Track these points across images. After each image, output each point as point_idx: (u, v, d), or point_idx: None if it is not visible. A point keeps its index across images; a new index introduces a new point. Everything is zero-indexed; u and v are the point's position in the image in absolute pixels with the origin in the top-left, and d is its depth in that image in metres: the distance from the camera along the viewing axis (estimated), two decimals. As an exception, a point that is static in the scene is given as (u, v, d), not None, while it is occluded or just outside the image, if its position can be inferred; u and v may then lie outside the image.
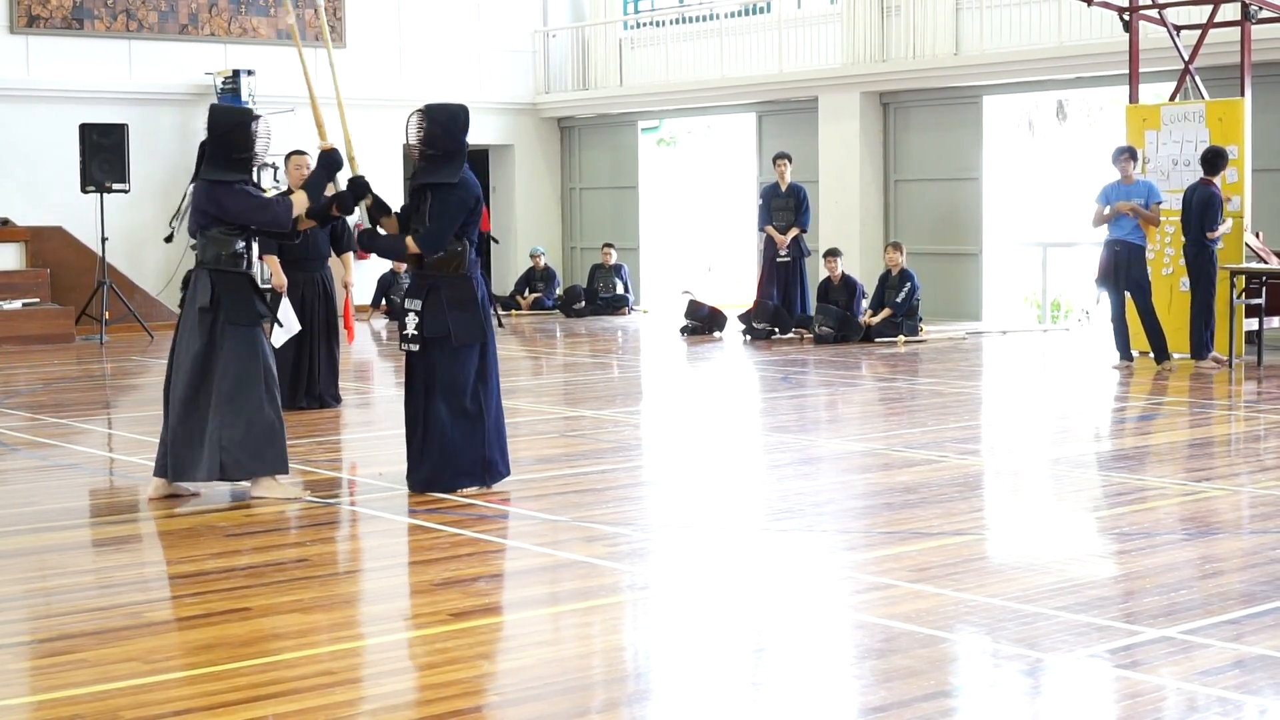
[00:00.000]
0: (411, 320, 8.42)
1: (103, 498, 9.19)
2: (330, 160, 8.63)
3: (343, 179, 8.72)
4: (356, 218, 8.76)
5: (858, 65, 20.78)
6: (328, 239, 12.19)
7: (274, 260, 11.95)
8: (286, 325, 11.82)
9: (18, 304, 18.93)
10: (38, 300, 19.25)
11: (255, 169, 8.55)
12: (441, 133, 8.40)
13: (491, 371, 8.53)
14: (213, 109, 8.81)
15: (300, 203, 8.51)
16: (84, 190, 19.42)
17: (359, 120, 23.29)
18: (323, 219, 8.82)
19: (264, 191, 8.69)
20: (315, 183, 8.65)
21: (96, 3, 21.33)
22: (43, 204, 20.51)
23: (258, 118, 8.52)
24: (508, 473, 8.67)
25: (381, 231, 8.69)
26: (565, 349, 18.25)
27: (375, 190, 8.71)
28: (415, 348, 8.42)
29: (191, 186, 8.42)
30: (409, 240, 8.40)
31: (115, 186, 19.43)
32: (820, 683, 5.29)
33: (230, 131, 8.37)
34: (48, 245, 20.15)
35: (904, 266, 17.78)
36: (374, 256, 22.67)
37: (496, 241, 24.24)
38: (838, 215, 21.02)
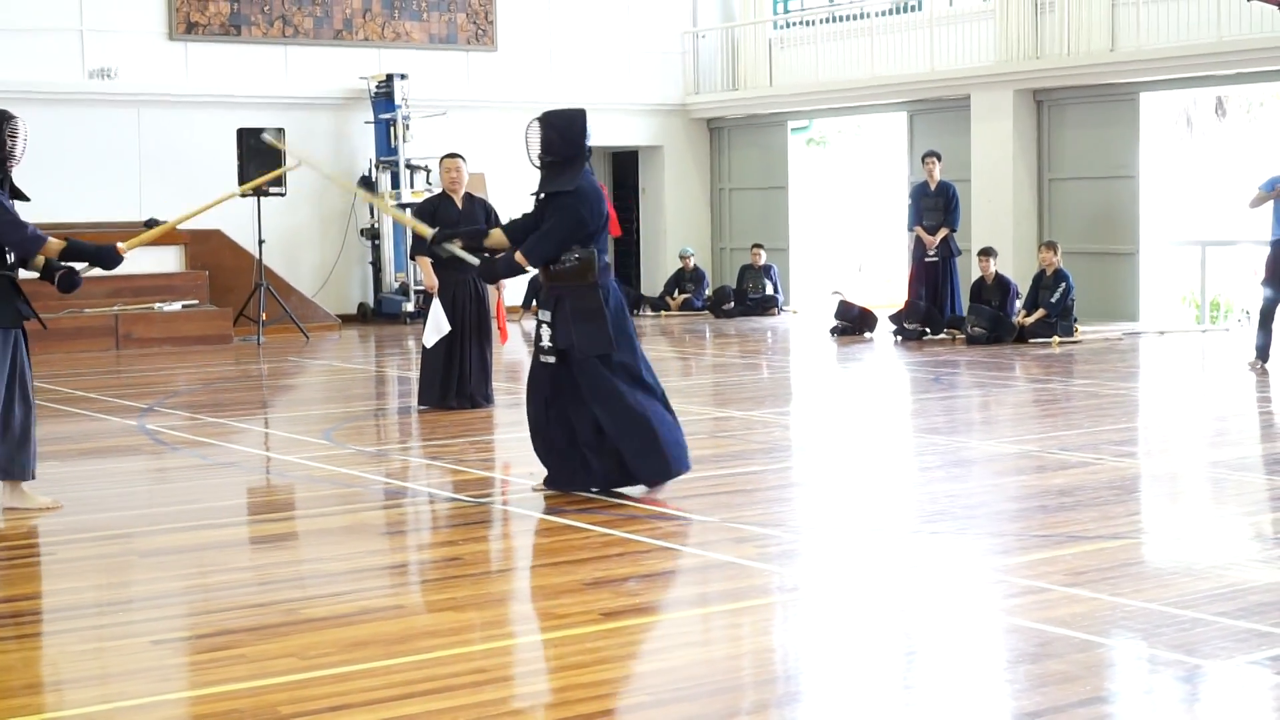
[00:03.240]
0: (545, 331, 8.36)
1: (260, 496, 9.34)
2: (110, 259, 8.39)
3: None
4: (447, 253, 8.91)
5: (1011, 62, 20.54)
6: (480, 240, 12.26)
7: (425, 262, 12.08)
8: (437, 326, 11.95)
9: (177, 306, 19.32)
10: (197, 302, 19.62)
11: (10, 170, 8.09)
12: (559, 138, 8.26)
13: (640, 375, 8.42)
14: None
15: (54, 247, 8.21)
16: (241, 194, 19.74)
17: (511, 123, 23.54)
18: (62, 280, 8.39)
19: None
20: (75, 250, 8.34)
21: (253, 9, 21.72)
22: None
23: (12, 118, 8.13)
24: (687, 468, 8.55)
25: (498, 255, 8.67)
26: (714, 350, 18.24)
27: (447, 232, 8.90)
28: (552, 359, 8.34)
29: None
30: (519, 255, 8.37)
31: (272, 190, 19.74)
32: (973, 687, 5.24)
33: None
34: (206, 248, 20.54)
35: (1059, 266, 17.54)
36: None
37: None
38: (990, 214, 20.78)
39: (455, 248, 8.88)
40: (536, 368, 8.48)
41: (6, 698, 5.22)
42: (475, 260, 9.00)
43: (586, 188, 8.29)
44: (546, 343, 8.35)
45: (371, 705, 4.99)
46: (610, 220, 8.46)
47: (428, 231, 9.01)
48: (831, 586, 6.64)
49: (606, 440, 8.31)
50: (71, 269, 8.40)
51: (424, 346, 12.14)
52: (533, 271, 8.63)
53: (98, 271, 8.70)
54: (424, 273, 12.19)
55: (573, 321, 8.24)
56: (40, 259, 8.30)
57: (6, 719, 4.96)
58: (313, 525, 8.21)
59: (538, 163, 8.33)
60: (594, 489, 8.42)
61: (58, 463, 9.86)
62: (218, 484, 9.44)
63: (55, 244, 8.27)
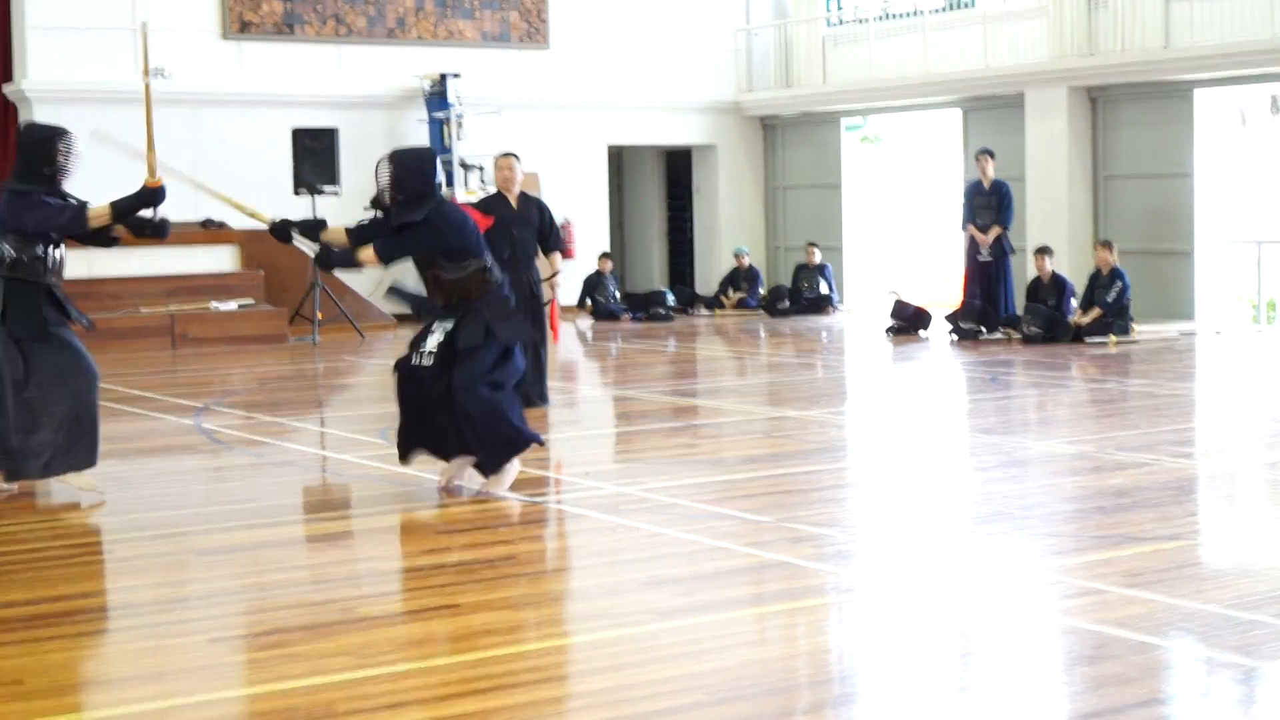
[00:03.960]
0: (434, 340, 8.59)
1: (316, 494, 9.39)
2: (150, 197, 8.82)
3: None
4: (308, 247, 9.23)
5: (1065, 59, 20.42)
6: (534, 239, 12.30)
7: None
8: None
9: (233, 305, 19.43)
10: (252, 301, 19.73)
11: (60, 183, 8.66)
12: (409, 177, 8.59)
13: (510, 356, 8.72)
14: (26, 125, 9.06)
15: (101, 213, 8.65)
16: (296, 193, 19.87)
17: (564, 122, 23.59)
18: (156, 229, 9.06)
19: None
20: (125, 205, 8.76)
21: (306, 8, 21.82)
22: (256, 207, 20.95)
23: (65, 135, 8.67)
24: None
25: (334, 247, 8.92)
26: (769, 349, 18.22)
27: (285, 221, 9.11)
28: (429, 364, 8.54)
29: None
30: (363, 252, 8.67)
31: (326, 189, 19.85)
32: (1029, 689, 5.21)
33: (39, 144, 8.58)
34: (262, 247, 20.57)
35: (1114, 265, 17.44)
36: (579, 256, 22.95)
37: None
38: (1045, 213, 20.66)
39: (295, 234, 9.08)
40: (411, 369, 8.66)
41: (66, 694, 5.26)
42: (312, 250, 9.18)
43: (434, 218, 8.56)
44: (431, 349, 8.55)
45: (427, 703, 5.01)
46: (479, 223, 8.89)
47: (266, 219, 9.20)
48: (887, 587, 6.63)
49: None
50: (148, 219, 8.95)
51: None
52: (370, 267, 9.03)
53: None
54: None
55: (492, 322, 8.55)
56: (108, 226, 8.76)
57: (66, 715, 5.01)
58: (368, 524, 8.24)
59: (387, 199, 8.64)
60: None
61: (116, 461, 9.93)
62: (273, 483, 9.49)
63: (100, 209, 8.66)
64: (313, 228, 9.04)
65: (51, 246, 8.58)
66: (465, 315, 8.58)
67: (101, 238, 8.85)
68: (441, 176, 8.75)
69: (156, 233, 9.05)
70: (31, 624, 6.09)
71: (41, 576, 6.93)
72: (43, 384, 8.44)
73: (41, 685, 5.34)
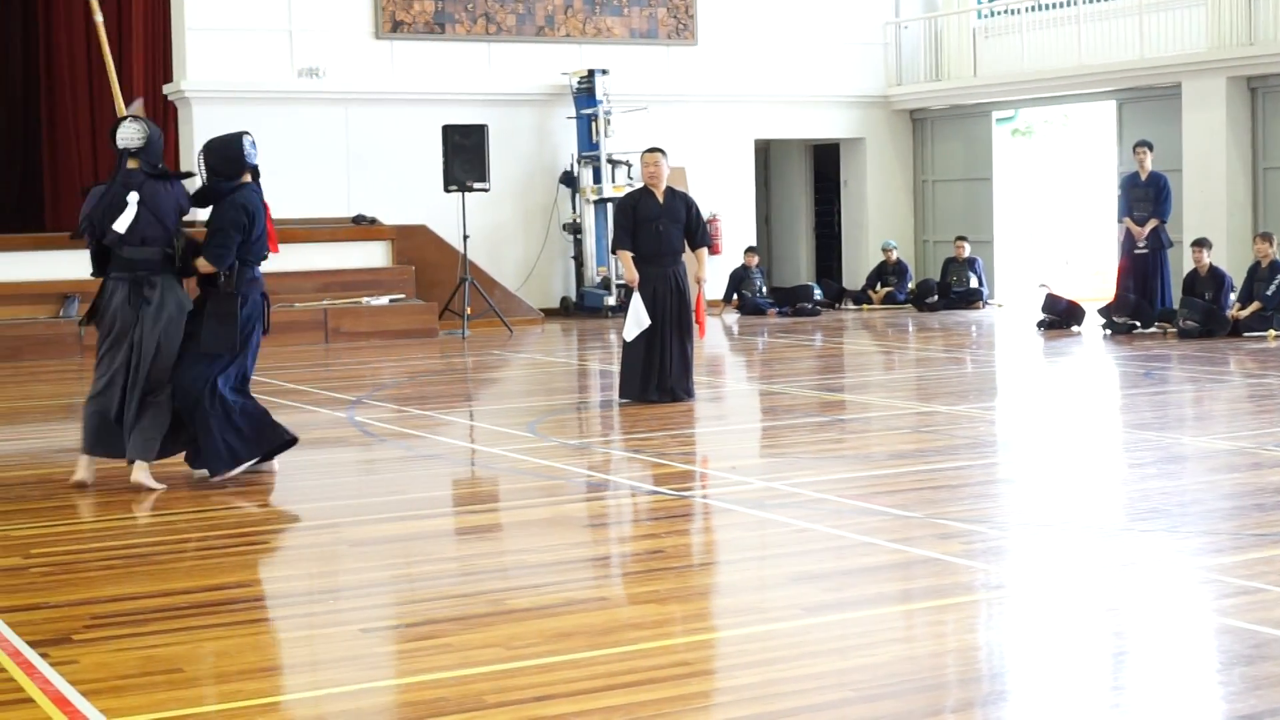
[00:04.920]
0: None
1: (465, 487, 9.47)
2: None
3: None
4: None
5: (1223, 49, 20.02)
6: (680, 234, 12.31)
7: (626, 256, 12.15)
8: (638, 320, 12.01)
9: (384, 300, 19.67)
10: (403, 296, 19.96)
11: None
12: (218, 161, 9.03)
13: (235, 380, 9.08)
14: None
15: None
16: (446, 189, 20.07)
17: (711, 118, 23.58)
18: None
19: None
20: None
21: (457, 7, 22.01)
22: (407, 203, 21.26)
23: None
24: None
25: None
26: (918, 344, 18.07)
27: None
28: None
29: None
30: (199, 261, 8.92)
31: (476, 185, 20.02)
32: (1184, 690, 5.11)
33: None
34: (412, 243, 20.87)
35: (1274, 257, 17.06)
36: (725, 250, 22.94)
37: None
38: (1202, 205, 20.28)
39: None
40: None
41: (223, 682, 5.36)
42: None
43: (240, 200, 8.97)
44: None
45: (575, 696, 5.02)
46: (269, 236, 9.10)
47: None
48: (1038, 584, 6.53)
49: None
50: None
51: (625, 340, 12.21)
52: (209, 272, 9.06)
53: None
54: (625, 267, 12.25)
55: (206, 319, 8.89)
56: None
57: (223, 703, 5.10)
58: (516, 517, 8.29)
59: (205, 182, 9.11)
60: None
61: (270, 453, 10.11)
62: (424, 475, 9.59)
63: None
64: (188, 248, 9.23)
65: None
66: (200, 304, 9.05)
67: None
68: (253, 159, 9.09)
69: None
70: (190, 613, 6.21)
71: (199, 566, 7.07)
72: None
73: (200, 673, 5.44)
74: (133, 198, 8.77)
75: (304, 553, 7.62)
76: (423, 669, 5.40)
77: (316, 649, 5.79)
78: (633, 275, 12.14)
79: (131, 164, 8.91)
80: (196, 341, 8.90)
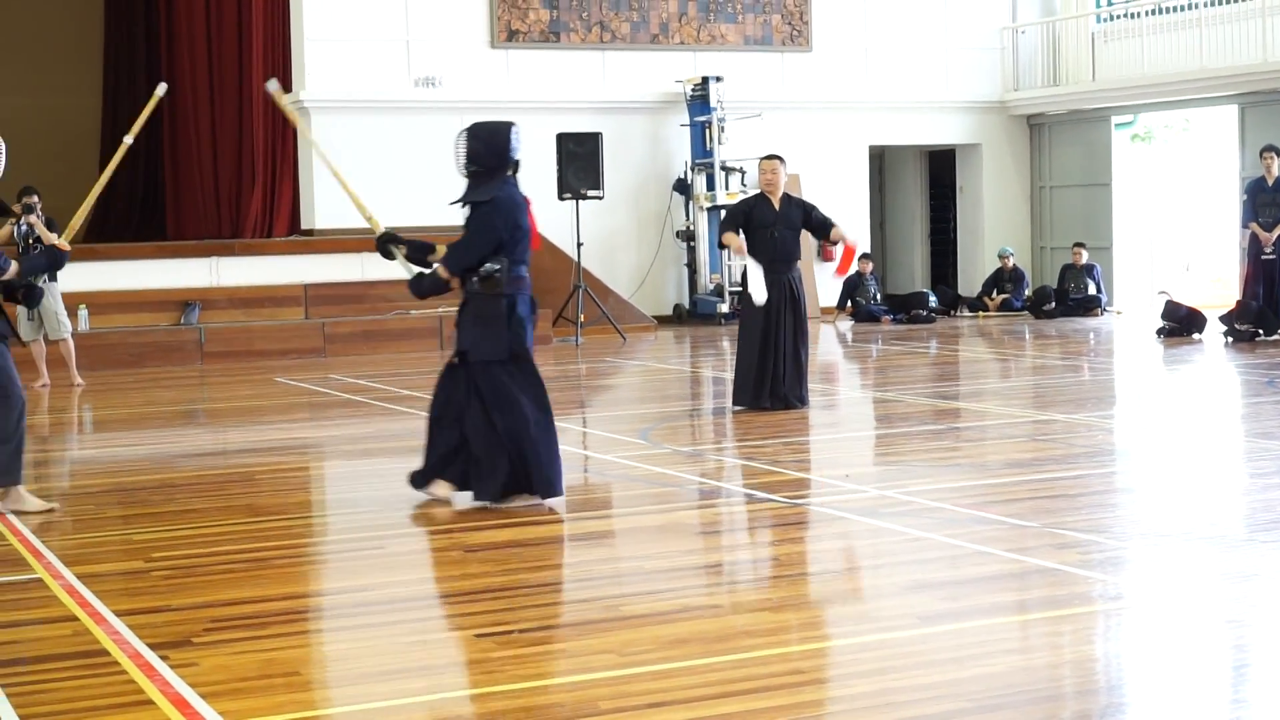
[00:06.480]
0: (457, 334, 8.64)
1: (579, 494, 9.48)
2: (57, 259, 8.81)
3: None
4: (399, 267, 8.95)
5: (1350, 52, 19.67)
6: (796, 241, 12.28)
7: (730, 236, 12.15)
8: (758, 285, 11.98)
9: (500, 307, 19.76)
10: (518, 303, 20.03)
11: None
12: (483, 149, 8.45)
13: (521, 391, 8.54)
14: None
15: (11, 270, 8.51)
16: (560, 197, 20.16)
17: (826, 124, 23.50)
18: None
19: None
20: (31, 266, 8.81)
21: (572, 16, 22.11)
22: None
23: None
24: (550, 495, 8.50)
25: (425, 271, 8.78)
26: (1034, 351, 17.90)
27: (394, 235, 8.88)
28: (456, 360, 8.59)
29: None
30: (439, 267, 8.55)
31: (590, 193, 20.10)
32: (1310, 703, 5.03)
33: None
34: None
35: (1401, 264, 16.72)
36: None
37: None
38: (1327, 211, 19.90)
39: (399, 254, 8.94)
40: (446, 368, 8.73)
41: (340, 685, 5.42)
42: (411, 273, 8.99)
43: (502, 199, 8.43)
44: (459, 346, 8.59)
45: (689, 703, 5.03)
46: (531, 233, 8.60)
47: (379, 228, 9.07)
48: (1158, 595, 6.45)
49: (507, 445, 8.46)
50: (19, 284, 8.66)
51: (739, 345, 12.25)
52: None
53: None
54: (730, 243, 12.22)
55: (472, 326, 8.49)
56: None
57: (340, 706, 5.15)
58: (630, 523, 8.31)
59: (464, 172, 8.51)
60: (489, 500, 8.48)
61: (388, 460, 10.20)
62: (538, 482, 9.60)
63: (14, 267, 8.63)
64: (421, 250, 8.93)
65: None
66: (462, 310, 8.62)
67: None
68: (519, 154, 8.57)
69: (26, 299, 8.75)
70: (308, 617, 6.28)
71: (318, 571, 7.15)
72: None
73: (317, 676, 5.51)
74: None
75: (420, 558, 7.68)
76: (537, 674, 5.43)
77: (432, 653, 5.84)
78: (739, 245, 12.10)
79: None
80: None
